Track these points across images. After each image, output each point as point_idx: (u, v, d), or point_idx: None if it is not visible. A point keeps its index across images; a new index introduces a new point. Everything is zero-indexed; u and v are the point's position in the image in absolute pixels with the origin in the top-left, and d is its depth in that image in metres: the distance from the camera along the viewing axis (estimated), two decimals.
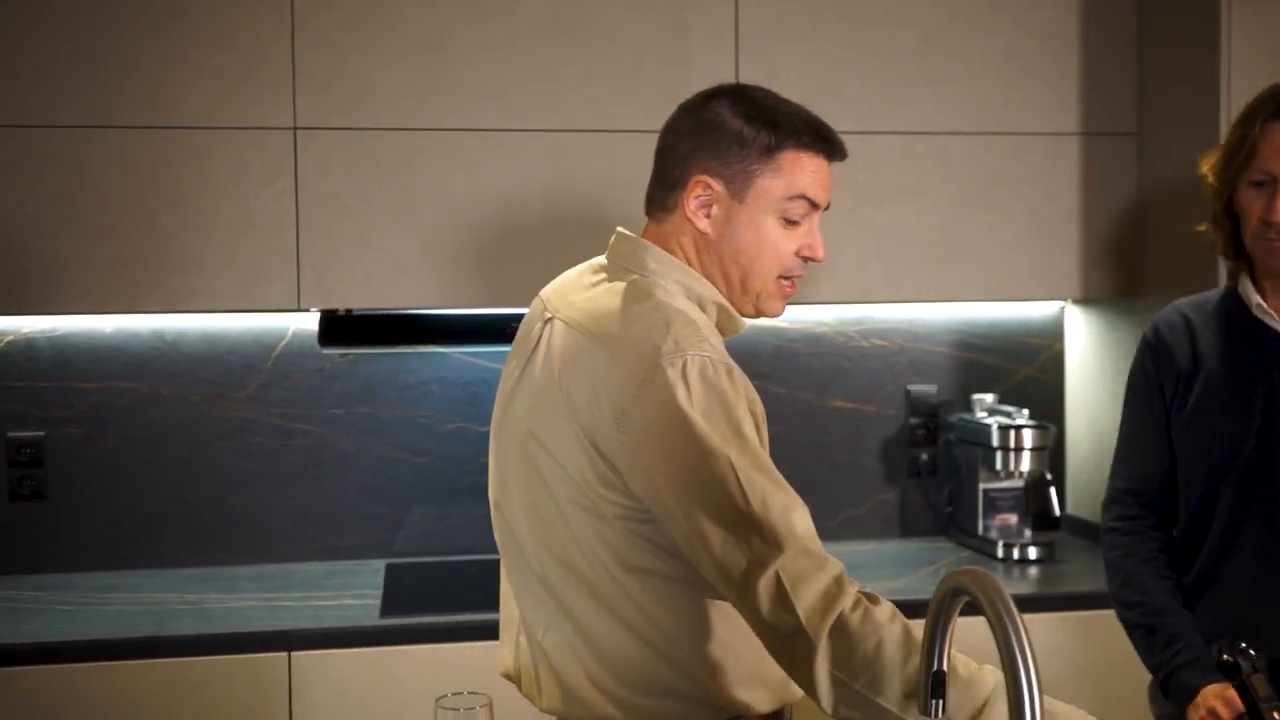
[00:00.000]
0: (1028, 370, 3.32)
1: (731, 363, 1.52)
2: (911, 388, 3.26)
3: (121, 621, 2.54)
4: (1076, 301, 3.24)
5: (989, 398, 3.13)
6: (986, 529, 3.09)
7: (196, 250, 2.69)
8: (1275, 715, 1.49)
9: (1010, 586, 2.81)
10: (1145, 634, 1.98)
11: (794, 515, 1.45)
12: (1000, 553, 3.01)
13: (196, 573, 2.93)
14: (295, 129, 2.70)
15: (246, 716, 2.44)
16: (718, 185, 1.60)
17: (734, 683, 1.58)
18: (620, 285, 1.60)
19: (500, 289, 2.76)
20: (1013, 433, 2.98)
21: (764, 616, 1.41)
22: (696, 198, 1.61)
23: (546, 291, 1.71)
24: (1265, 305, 1.97)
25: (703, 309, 1.61)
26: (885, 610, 1.43)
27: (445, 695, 1.38)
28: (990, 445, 3.01)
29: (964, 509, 3.15)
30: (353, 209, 2.73)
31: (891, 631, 1.41)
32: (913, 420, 3.26)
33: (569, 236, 2.78)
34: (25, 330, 2.92)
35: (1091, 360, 3.22)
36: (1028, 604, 2.72)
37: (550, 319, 1.63)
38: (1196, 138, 2.77)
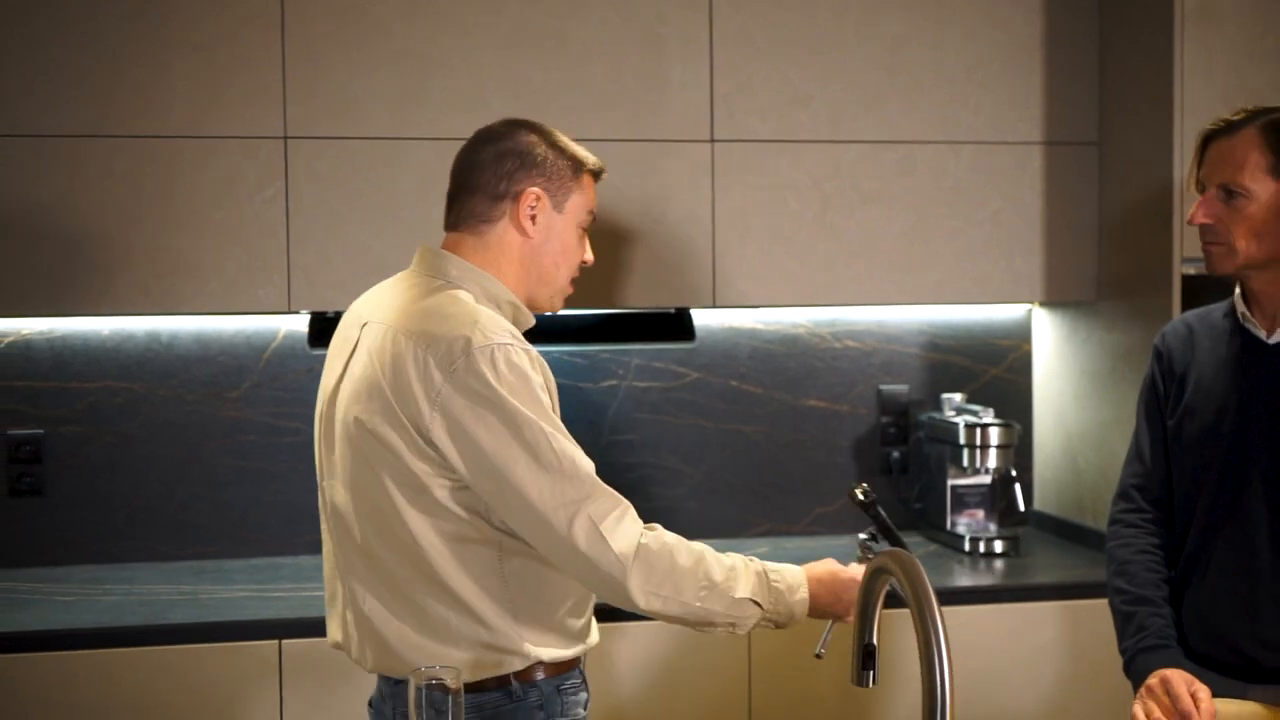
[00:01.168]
0: (996, 370, 3.41)
1: (529, 347, 1.80)
2: (883, 387, 3.35)
3: (117, 611, 2.62)
4: (1043, 304, 3.34)
5: (957, 397, 3.22)
6: (954, 524, 3.17)
7: (190, 255, 2.78)
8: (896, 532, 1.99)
9: (976, 579, 2.92)
10: (1123, 620, 2.10)
11: (589, 467, 1.76)
12: (967, 546, 3.09)
13: (190, 565, 3.01)
14: (286, 138, 2.80)
15: (239, 700, 2.53)
16: (545, 197, 1.89)
17: (537, 632, 1.81)
18: (429, 290, 1.85)
19: None
20: (979, 431, 3.07)
21: (583, 551, 1.72)
22: (530, 207, 1.87)
23: (357, 303, 1.95)
24: (1249, 314, 2.06)
25: (498, 308, 1.85)
26: (667, 534, 1.80)
27: (419, 669, 1.50)
28: (958, 443, 3.10)
29: (934, 505, 3.24)
30: (341, 215, 2.83)
31: (679, 549, 1.78)
32: (884, 419, 3.34)
33: None
34: (25, 331, 3.00)
35: (1058, 361, 3.31)
36: (993, 595, 2.83)
37: (365, 324, 1.86)
38: (1153, 148, 2.88)
